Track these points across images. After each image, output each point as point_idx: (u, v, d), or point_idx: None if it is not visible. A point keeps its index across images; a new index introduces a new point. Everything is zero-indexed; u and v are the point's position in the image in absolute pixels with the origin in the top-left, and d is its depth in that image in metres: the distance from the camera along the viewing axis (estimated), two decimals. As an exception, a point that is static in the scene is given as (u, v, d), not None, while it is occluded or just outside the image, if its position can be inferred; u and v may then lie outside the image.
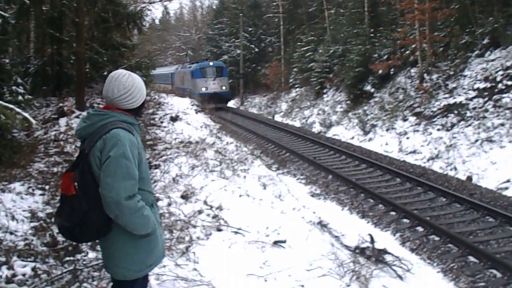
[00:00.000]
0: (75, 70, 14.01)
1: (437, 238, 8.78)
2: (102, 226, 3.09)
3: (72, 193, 3.07)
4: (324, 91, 30.93)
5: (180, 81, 43.58)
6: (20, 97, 9.57)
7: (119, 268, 3.24)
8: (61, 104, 12.72)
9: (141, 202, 3.08)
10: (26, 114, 8.08)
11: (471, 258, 7.87)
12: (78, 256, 5.35)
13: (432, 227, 9.09)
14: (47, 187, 7.49)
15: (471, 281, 7.23)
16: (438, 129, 17.30)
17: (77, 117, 11.51)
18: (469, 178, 13.04)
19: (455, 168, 14.11)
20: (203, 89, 36.69)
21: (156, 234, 3.28)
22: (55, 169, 8.48)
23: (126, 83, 3.22)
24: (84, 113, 3.53)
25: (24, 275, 4.78)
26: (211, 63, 38.93)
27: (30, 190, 7.26)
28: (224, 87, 37.83)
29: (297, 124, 28.69)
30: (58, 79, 15.25)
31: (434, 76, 20.67)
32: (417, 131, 18.30)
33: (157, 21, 72.54)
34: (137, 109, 3.33)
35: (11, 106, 7.71)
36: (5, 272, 4.73)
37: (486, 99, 16.46)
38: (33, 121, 8.50)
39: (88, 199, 3.02)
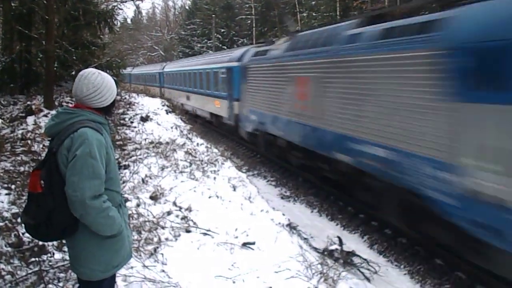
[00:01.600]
0: (43, 68, 13.79)
1: (404, 241, 8.89)
2: (68, 225, 3.08)
3: (38, 191, 3.07)
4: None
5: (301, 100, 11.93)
6: (-14, 95, 9.39)
7: (84, 268, 3.23)
8: (29, 103, 12.51)
9: (107, 203, 3.07)
10: (-8, 112, 7.93)
11: (438, 261, 7.99)
12: (44, 257, 5.26)
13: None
14: (13, 186, 7.34)
15: (437, 283, 7.34)
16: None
17: (45, 115, 11.33)
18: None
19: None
20: None
21: (123, 235, 3.28)
22: (21, 168, 8.32)
23: (95, 81, 3.23)
24: (54, 112, 3.53)
25: (-13, 276, 4.69)
26: None
27: (-5, 189, 7.12)
28: None
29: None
30: (26, 77, 15.01)
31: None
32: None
33: (128, 21, 72.08)
34: (106, 108, 3.34)
35: (-24, 103, 7.58)
36: (-32, 273, 4.64)
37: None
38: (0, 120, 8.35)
39: (55, 197, 3.02)
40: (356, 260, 7.53)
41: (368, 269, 7.34)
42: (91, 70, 3.31)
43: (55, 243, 5.50)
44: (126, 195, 7.38)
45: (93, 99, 3.23)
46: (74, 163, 2.98)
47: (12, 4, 13.88)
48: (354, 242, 8.74)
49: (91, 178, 2.97)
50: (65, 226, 3.09)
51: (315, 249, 7.61)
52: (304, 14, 38.30)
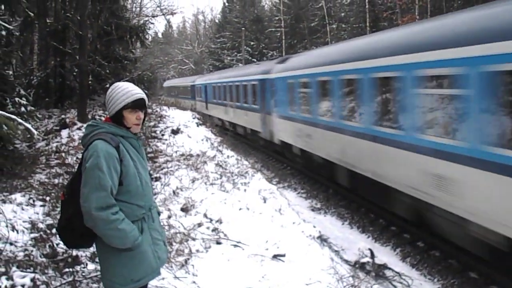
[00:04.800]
0: (77, 82, 14.11)
1: (437, 254, 8.73)
2: (84, 233, 3.14)
3: (61, 198, 3.29)
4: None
5: None
6: (22, 109, 9.65)
7: (105, 279, 3.30)
8: (63, 116, 12.79)
9: (117, 215, 3.07)
10: (28, 125, 8.13)
11: (472, 274, 7.82)
12: (78, 268, 5.34)
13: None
14: (47, 198, 7.49)
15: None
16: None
17: (79, 129, 11.56)
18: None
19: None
20: None
21: (142, 250, 3.24)
22: (56, 181, 8.49)
23: (107, 92, 3.35)
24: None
25: (23, 286, 4.76)
26: None
27: (31, 201, 7.27)
28: None
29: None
30: (60, 91, 15.38)
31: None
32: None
33: (159, 35, 73.04)
34: (114, 119, 3.31)
35: (13, 117, 7.78)
36: (5, 282, 4.73)
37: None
38: (35, 132, 8.56)
39: (75, 205, 3.10)
40: (388, 273, 7.43)
41: (401, 283, 7.22)
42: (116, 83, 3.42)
43: (88, 253, 5.58)
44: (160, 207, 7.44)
45: (107, 108, 3.36)
46: (85, 175, 3.07)
47: (47, 21, 14.25)
48: (386, 255, 8.62)
49: (97, 189, 3.02)
50: (81, 233, 3.15)
51: (346, 261, 7.54)
52: (334, 26, 38.28)
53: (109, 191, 3.05)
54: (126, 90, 3.28)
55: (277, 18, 49.26)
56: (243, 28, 48.73)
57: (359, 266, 7.40)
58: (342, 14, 38.56)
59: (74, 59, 13.92)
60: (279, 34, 48.37)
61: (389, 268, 7.56)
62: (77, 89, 14.39)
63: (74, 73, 14.91)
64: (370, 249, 8.05)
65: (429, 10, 26.01)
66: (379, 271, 7.37)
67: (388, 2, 30.01)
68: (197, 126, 16.08)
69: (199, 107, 33.89)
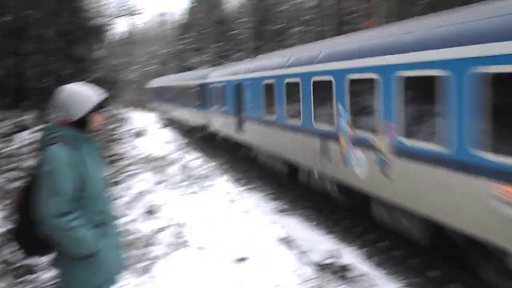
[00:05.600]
0: (36, 83, 13.78)
1: (402, 253, 8.78)
2: (38, 242, 3.03)
3: (16, 205, 3.16)
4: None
5: None
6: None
7: (63, 286, 3.18)
8: (20, 118, 12.44)
9: (75, 222, 2.97)
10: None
11: (435, 273, 7.88)
12: (35, 275, 5.18)
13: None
14: (4, 203, 7.25)
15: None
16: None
17: (35, 131, 11.27)
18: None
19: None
20: None
21: (101, 256, 3.13)
22: (12, 185, 8.23)
23: (62, 96, 3.18)
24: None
25: (-24, 295, 4.60)
26: None
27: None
28: None
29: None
30: (18, 92, 14.97)
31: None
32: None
33: (122, 35, 72.27)
34: (78, 123, 3.19)
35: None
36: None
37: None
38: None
39: (29, 213, 2.99)
40: (353, 273, 7.44)
41: (366, 282, 7.24)
42: (64, 86, 3.24)
43: (45, 260, 5.40)
44: (119, 211, 7.29)
45: (60, 113, 3.20)
46: (41, 180, 2.96)
47: (5, 19, 13.89)
48: (351, 255, 8.63)
49: (53, 195, 2.91)
50: (42, 240, 3.03)
51: (312, 263, 7.51)
52: (297, 29, 38.70)
53: (66, 197, 2.94)
54: (89, 93, 3.19)
55: (242, 20, 49.39)
56: (207, 30, 48.70)
57: (324, 267, 7.39)
58: (307, 17, 38.90)
59: (33, 59, 13.61)
60: (244, 36, 48.49)
61: (355, 269, 7.57)
62: (35, 90, 14.06)
63: (33, 74, 14.57)
64: (335, 250, 8.06)
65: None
66: (344, 272, 7.37)
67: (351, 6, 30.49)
68: (161, 128, 15.93)
69: (221, 125, 19.10)
